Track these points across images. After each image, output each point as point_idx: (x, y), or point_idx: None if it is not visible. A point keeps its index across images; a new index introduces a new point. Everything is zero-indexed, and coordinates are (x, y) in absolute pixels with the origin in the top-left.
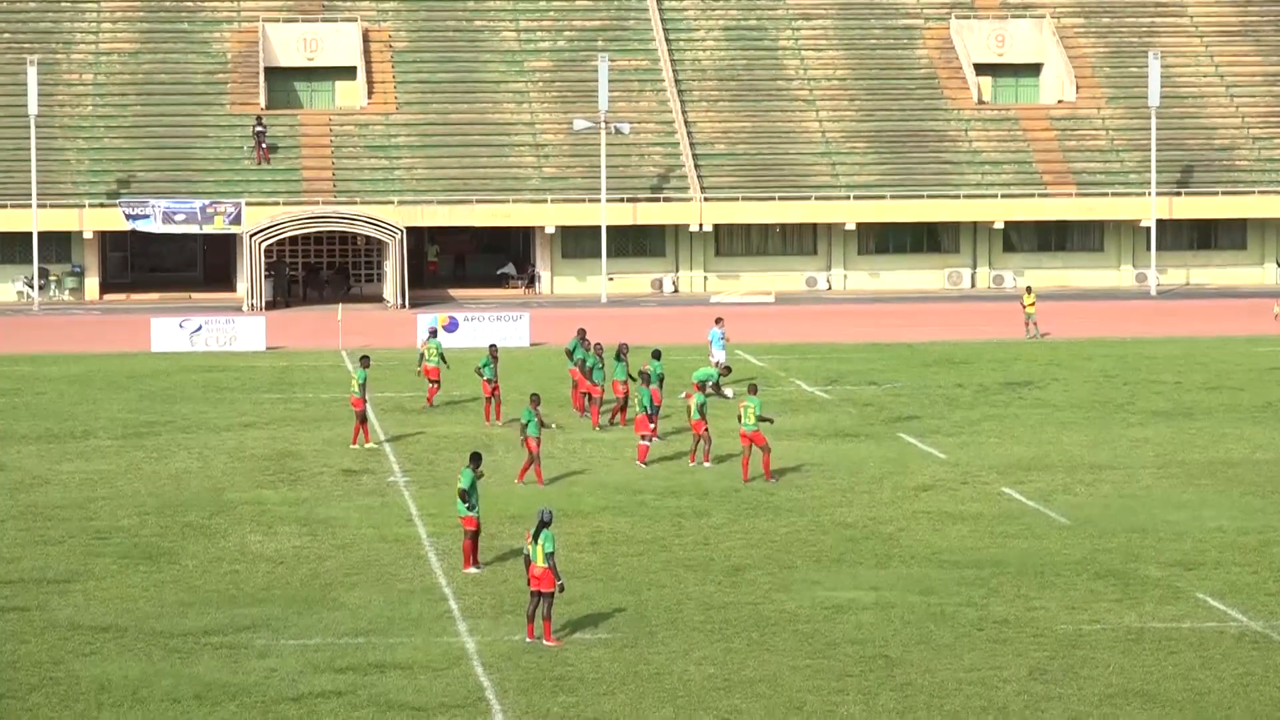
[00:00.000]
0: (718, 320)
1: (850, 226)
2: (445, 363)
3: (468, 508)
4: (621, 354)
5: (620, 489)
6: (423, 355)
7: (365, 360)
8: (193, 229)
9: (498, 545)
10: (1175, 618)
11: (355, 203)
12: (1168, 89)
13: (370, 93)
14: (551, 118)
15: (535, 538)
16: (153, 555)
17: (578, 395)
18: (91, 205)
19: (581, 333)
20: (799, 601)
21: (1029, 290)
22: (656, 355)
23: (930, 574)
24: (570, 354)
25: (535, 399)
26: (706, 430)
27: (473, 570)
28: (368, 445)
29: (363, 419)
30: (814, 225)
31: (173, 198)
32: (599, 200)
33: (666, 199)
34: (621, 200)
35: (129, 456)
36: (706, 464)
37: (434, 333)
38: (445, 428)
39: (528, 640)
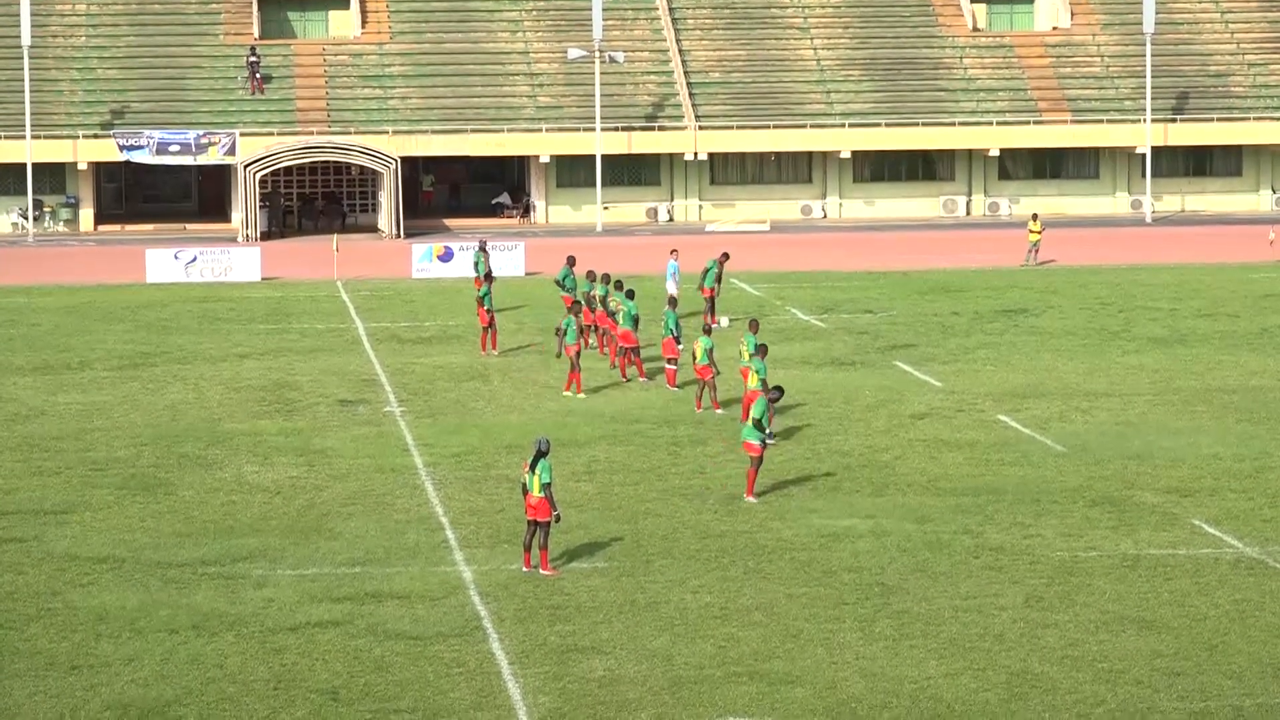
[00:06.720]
0: (673, 251)
1: (845, 154)
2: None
3: (760, 440)
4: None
5: (616, 418)
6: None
7: (576, 307)
8: (187, 160)
9: (495, 475)
10: (1171, 544)
11: (350, 133)
12: (1163, 15)
13: (364, 22)
14: (546, 47)
15: (532, 467)
16: (149, 486)
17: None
18: (86, 136)
19: (570, 260)
20: (795, 530)
21: (1035, 217)
22: (630, 294)
23: (926, 502)
24: (560, 283)
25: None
26: (714, 376)
27: (751, 500)
28: (579, 394)
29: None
30: (809, 153)
31: (167, 128)
32: (593, 129)
33: (661, 128)
34: (616, 129)
35: (125, 388)
36: (718, 410)
37: (482, 245)
38: (440, 358)
39: (524, 569)
